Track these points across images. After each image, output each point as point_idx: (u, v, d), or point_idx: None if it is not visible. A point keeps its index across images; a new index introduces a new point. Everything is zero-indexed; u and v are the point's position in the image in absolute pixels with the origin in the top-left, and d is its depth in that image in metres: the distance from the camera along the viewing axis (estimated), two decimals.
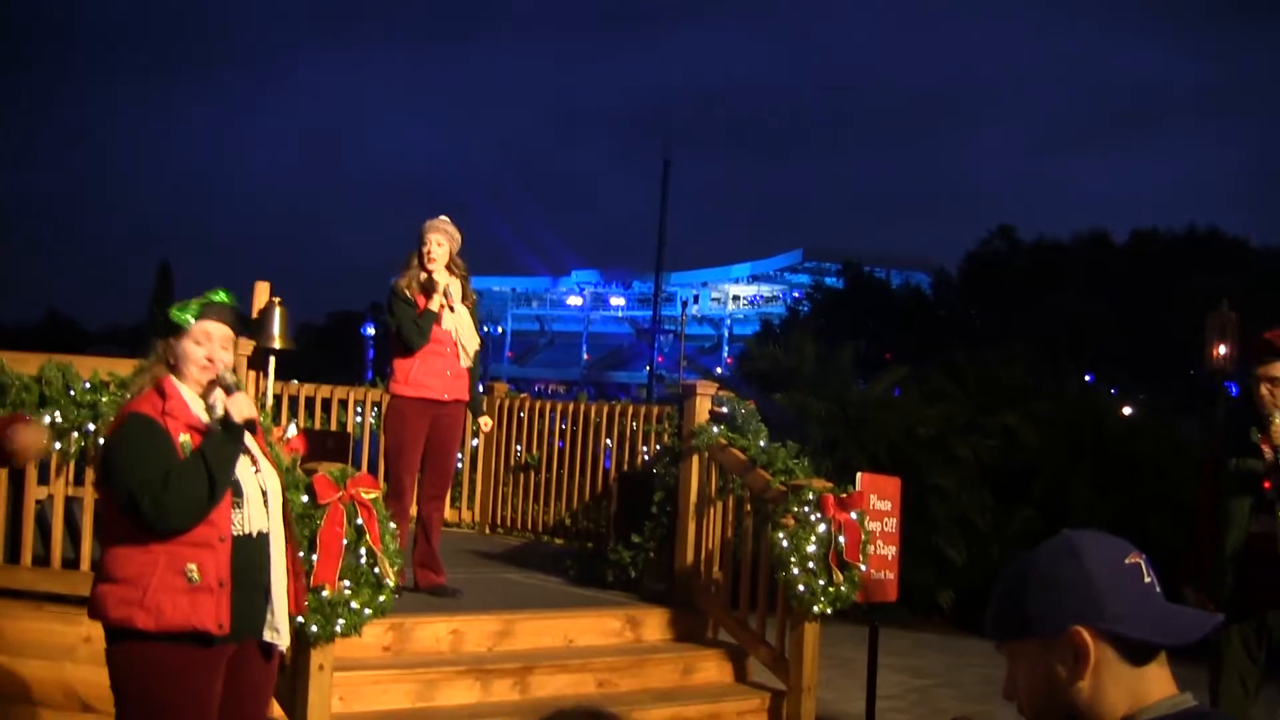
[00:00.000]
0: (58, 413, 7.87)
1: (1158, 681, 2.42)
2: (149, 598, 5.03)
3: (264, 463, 5.47)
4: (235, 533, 5.21)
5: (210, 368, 5.35)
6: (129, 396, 5.55)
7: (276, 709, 7.52)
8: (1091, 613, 2.39)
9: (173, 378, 5.38)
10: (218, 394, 5.35)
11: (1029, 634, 2.47)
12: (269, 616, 5.36)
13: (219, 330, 5.39)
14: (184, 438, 5.20)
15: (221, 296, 5.51)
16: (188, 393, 5.36)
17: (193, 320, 5.37)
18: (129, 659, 5.07)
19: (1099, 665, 2.39)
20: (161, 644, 5.05)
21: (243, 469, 5.31)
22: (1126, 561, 2.46)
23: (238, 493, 5.25)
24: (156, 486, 5.00)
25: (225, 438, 5.21)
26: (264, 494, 5.38)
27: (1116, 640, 2.38)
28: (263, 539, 5.34)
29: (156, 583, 5.06)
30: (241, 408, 5.24)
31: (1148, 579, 2.46)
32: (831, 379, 17.77)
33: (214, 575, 5.11)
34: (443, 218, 9.83)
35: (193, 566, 5.07)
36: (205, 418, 5.33)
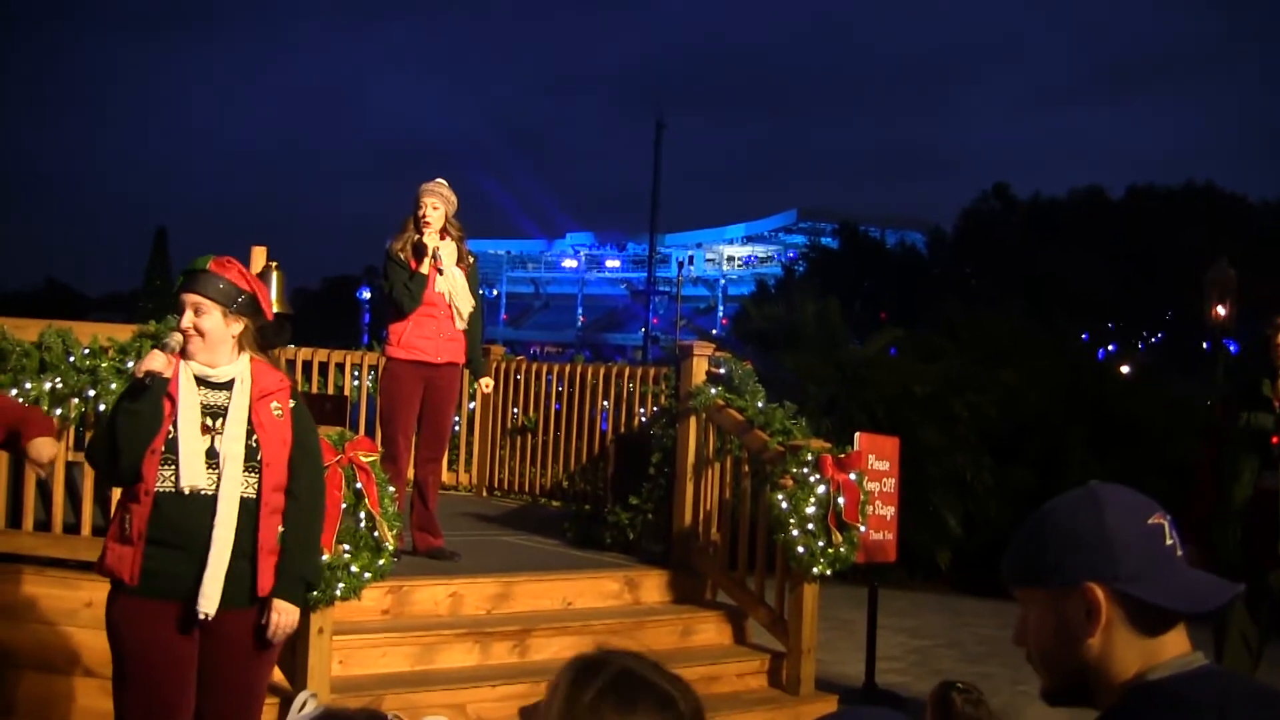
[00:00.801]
0: (58, 379, 7.86)
1: (1172, 643, 2.39)
2: (106, 543, 5.35)
3: (237, 426, 5.41)
4: (161, 488, 5.24)
5: (192, 336, 5.37)
6: None
7: (277, 673, 7.53)
8: (1107, 570, 2.36)
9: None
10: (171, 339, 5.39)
11: (1042, 583, 2.44)
12: (203, 579, 5.26)
13: (190, 299, 5.38)
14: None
15: (199, 264, 5.48)
16: (185, 362, 5.41)
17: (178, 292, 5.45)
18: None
19: (1110, 624, 2.36)
20: (114, 592, 5.28)
21: (187, 425, 5.30)
22: (1149, 522, 2.41)
23: (170, 449, 5.26)
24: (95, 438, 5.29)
25: (124, 393, 5.30)
26: (214, 455, 5.32)
27: (1130, 601, 2.35)
28: (201, 499, 5.26)
29: (111, 530, 5.36)
30: (146, 362, 5.21)
31: (1169, 541, 2.41)
32: (830, 337, 17.75)
33: (135, 527, 5.21)
34: (438, 180, 9.79)
35: (127, 517, 5.25)
36: (186, 384, 5.39)
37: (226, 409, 5.39)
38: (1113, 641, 2.37)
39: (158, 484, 5.23)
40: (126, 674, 5.27)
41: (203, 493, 5.26)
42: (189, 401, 5.34)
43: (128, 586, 5.20)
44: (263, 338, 5.63)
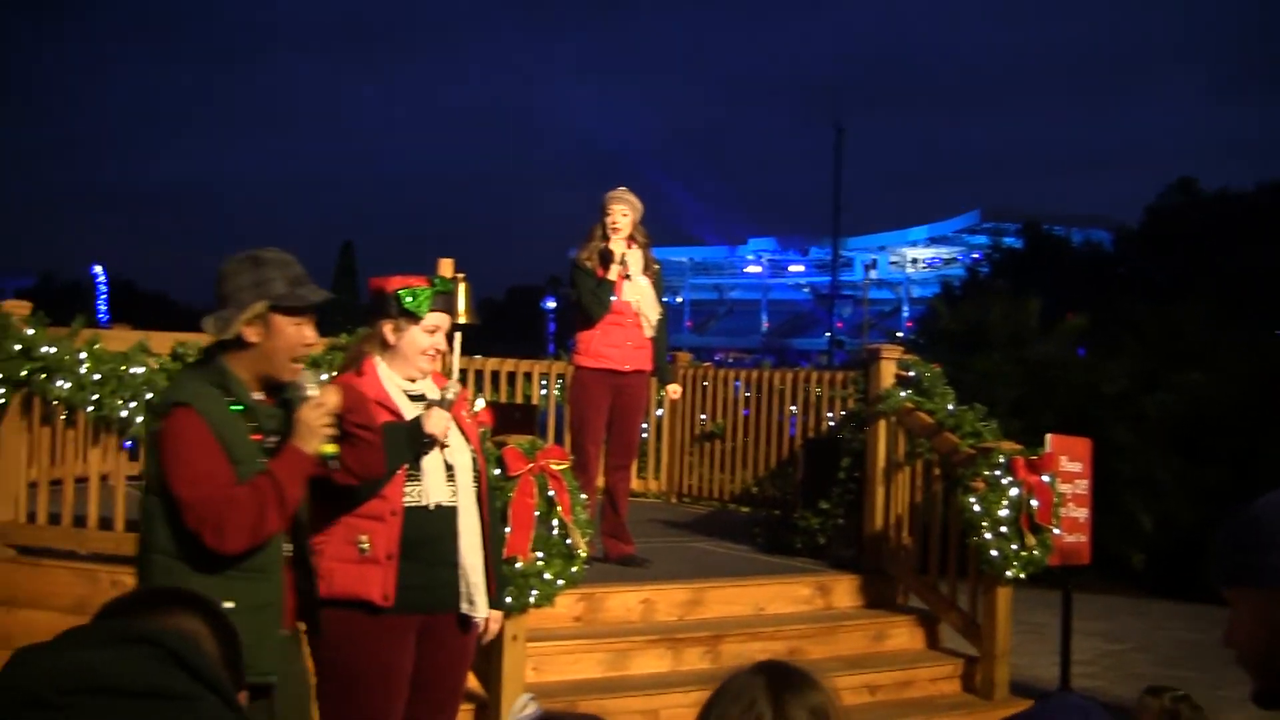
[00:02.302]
0: None
1: None
2: (324, 565, 5.17)
3: (458, 437, 5.45)
4: (409, 504, 5.26)
5: (435, 358, 5.48)
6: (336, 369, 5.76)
7: (472, 679, 7.62)
8: None
9: (377, 358, 5.46)
10: (440, 390, 5.44)
11: (1256, 582, 2.36)
12: (463, 589, 5.37)
13: (444, 321, 5.47)
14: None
15: (446, 284, 5.55)
16: (386, 373, 5.43)
17: (426, 309, 5.39)
18: (323, 626, 5.15)
19: None
20: (337, 610, 5.14)
21: None
22: None
23: (414, 466, 5.29)
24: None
25: (409, 437, 5.27)
26: (449, 468, 5.39)
27: None
28: (445, 512, 5.35)
29: (331, 551, 5.21)
30: (432, 424, 5.27)
31: None
32: (1016, 337, 17.53)
33: (383, 548, 5.20)
34: (622, 188, 9.84)
35: (364, 538, 5.19)
36: (400, 400, 5.40)
37: None
38: None
39: (405, 501, 5.26)
40: (354, 691, 5.27)
41: (446, 505, 5.35)
42: (410, 415, 5.38)
43: (378, 606, 5.19)
44: None
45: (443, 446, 5.35)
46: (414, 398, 5.44)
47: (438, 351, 5.45)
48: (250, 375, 4.66)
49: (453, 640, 5.47)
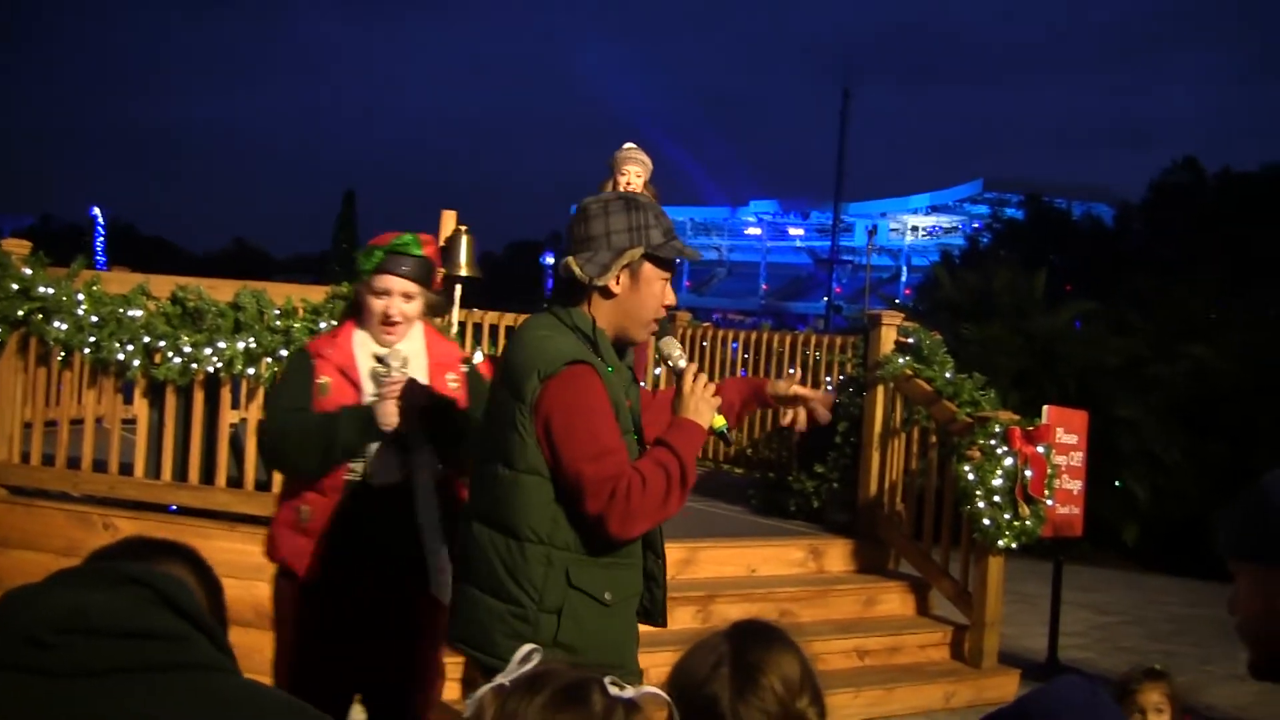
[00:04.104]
0: (252, 338, 7.99)
1: None
2: (273, 529, 5.07)
3: (441, 404, 5.05)
4: (349, 479, 4.92)
5: (392, 328, 5.03)
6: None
7: None
8: None
9: (355, 325, 5.13)
10: (392, 368, 4.98)
11: (1255, 558, 2.37)
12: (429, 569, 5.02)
13: (399, 285, 5.01)
14: (324, 380, 5.00)
15: (407, 242, 5.06)
16: (361, 341, 5.09)
17: (370, 268, 5.02)
18: (273, 588, 5.08)
19: None
20: (280, 576, 5.05)
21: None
22: None
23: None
24: (277, 424, 4.96)
25: (364, 428, 4.88)
26: (404, 448, 4.98)
27: None
28: (392, 490, 4.94)
29: (281, 515, 5.07)
30: (387, 417, 4.86)
31: None
32: (1023, 309, 17.50)
33: (320, 521, 4.93)
34: (631, 146, 9.77)
35: (306, 508, 4.96)
36: (365, 369, 5.05)
37: None
38: None
39: (346, 477, 4.94)
40: (292, 652, 5.08)
41: (392, 486, 4.97)
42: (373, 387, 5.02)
43: (299, 576, 4.97)
44: (433, 307, 5.29)
45: (398, 433, 4.91)
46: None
47: (401, 317, 5.03)
48: (610, 333, 4.25)
49: (422, 611, 5.07)
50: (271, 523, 5.18)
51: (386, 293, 5.00)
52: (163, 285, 8.42)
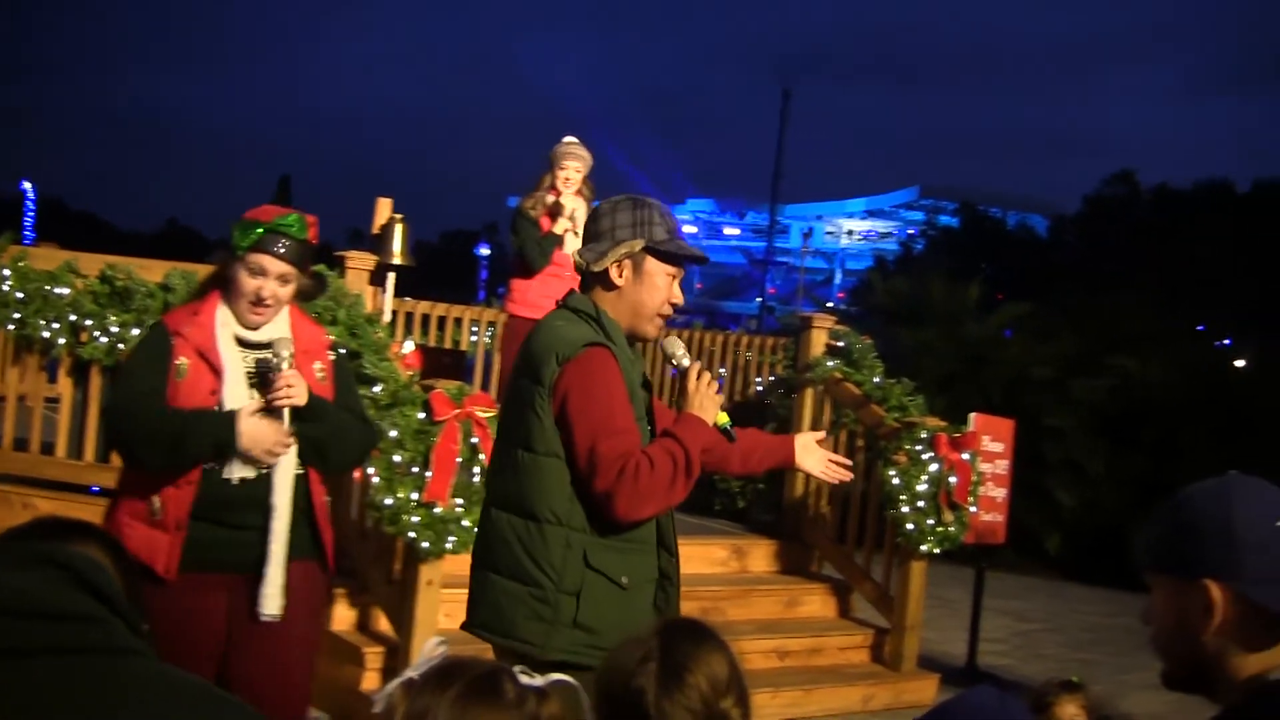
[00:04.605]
0: None
1: None
2: (117, 519, 4.71)
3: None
4: (208, 468, 4.63)
5: (261, 309, 4.75)
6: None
7: (384, 622, 7.60)
8: (1228, 569, 2.27)
9: (220, 300, 4.80)
10: (283, 358, 4.68)
11: (1167, 571, 2.39)
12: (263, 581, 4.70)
13: (276, 266, 4.72)
14: (182, 361, 4.69)
15: (291, 222, 4.77)
16: (224, 320, 4.78)
17: (246, 245, 4.70)
18: None
19: (1227, 624, 2.27)
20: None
21: (236, 401, 4.68)
22: None
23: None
24: (127, 409, 4.67)
25: (220, 446, 4.59)
26: None
27: (1251, 605, 2.26)
28: (250, 485, 4.67)
29: (125, 506, 4.74)
30: (255, 438, 4.60)
31: None
32: (956, 315, 17.58)
33: (173, 514, 4.62)
34: (572, 139, 9.77)
35: (157, 500, 4.63)
36: (228, 350, 4.75)
37: None
38: (1231, 640, 2.28)
39: (205, 466, 4.64)
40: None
41: (252, 480, 4.70)
42: (235, 373, 4.74)
43: (159, 576, 4.57)
44: (305, 293, 4.99)
45: (261, 462, 4.66)
46: (250, 345, 4.80)
47: (274, 300, 4.75)
48: (620, 324, 4.40)
49: (294, 592, 4.77)
50: (112, 512, 4.82)
51: (262, 272, 4.71)
52: (92, 264, 8.32)
